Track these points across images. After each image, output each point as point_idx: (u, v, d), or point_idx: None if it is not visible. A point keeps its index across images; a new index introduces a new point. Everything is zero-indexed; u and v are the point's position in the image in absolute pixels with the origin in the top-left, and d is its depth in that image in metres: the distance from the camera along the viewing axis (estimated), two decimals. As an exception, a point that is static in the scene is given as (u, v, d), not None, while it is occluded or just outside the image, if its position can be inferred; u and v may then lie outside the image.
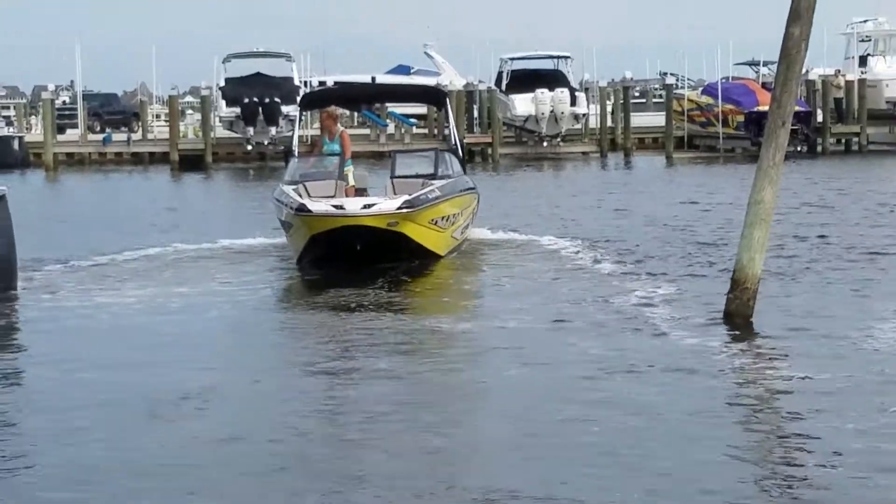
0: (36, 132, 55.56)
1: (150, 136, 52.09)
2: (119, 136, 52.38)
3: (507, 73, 51.87)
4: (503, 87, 51.20)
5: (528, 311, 14.42)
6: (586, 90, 53.78)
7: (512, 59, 52.96)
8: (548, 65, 53.39)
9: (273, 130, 46.92)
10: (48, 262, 18.95)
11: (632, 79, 56.09)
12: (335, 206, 17.96)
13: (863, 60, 51.73)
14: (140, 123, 56.55)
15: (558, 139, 49.61)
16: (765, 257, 13.54)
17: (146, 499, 8.11)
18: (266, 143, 47.37)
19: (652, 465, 8.57)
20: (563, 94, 48.80)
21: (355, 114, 51.93)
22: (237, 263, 19.11)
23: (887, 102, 49.74)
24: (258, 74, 49.96)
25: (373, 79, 60.14)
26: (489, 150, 48.13)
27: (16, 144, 48.19)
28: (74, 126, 54.11)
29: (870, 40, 53.26)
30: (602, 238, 21.27)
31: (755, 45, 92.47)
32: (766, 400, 10.47)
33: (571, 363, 11.70)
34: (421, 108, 52.13)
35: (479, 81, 54.75)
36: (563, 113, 48.75)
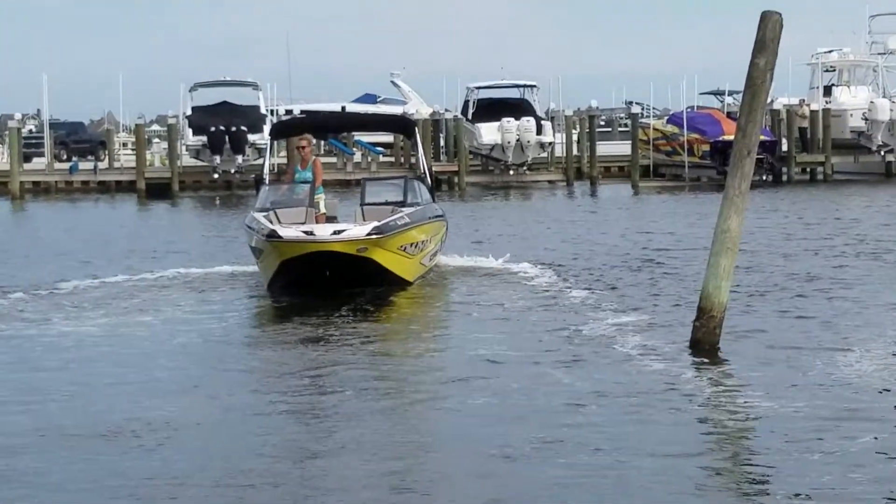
0: (2, 161, 55.33)
1: (116, 164, 51.89)
2: (86, 165, 52.24)
3: (474, 102, 51.98)
4: (469, 115, 51.30)
5: (497, 340, 14.40)
6: (552, 119, 53.97)
7: (478, 87, 53.08)
8: (514, 94, 53.59)
9: (239, 159, 46.96)
10: (11, 289, 18.90)
11: (597, 108, 56.45)
12: (305, 232, 18.13)
13: (827, 90, 52.03)
14: (107, 152, 56.36)
15: (524, 168, 49.71)
16: (730, 285, 13.60)
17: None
18: (232, 171, 47.37)
19: (620, 496, 8.56)
20: (529, 122, 48.93)
21: (322, 142, 51.93)
22: (203, 291, 19.05)
23: (852, 132, 50.00)
24: (224, 103, 50.03)
25: (343, 108, 60.24)
26: (455, 179, 48.19)
27: (-19, 173, 47.92)
28: (41, 155, 53.95)
29: (834, 70, 53.59)
30: (570, 266, 21.31)
31: (721, 75, 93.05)
32: (734, 430, 10.46)
33: (540, 393, 11.68)
34: (387, 137, 52.19)
35: (446, 110, 54.87)
36: (529, 142, 48.86)
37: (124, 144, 62.52)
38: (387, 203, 20.11)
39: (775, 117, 49.63)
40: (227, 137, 46.62)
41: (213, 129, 46.59)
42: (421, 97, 65.52)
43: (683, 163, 48.88)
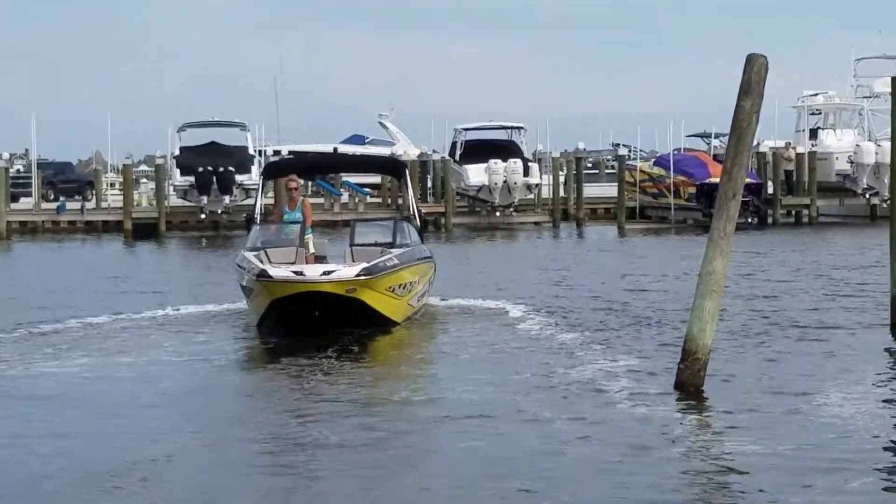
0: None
1: (104, 204, 51.84)
2: (73, 205, 52.18)
3: (461, 144, 52.12)
4: (457, 157, 51.42)
5: (484, 382, 14.41)
6: (539, 160, 54.07)
7: (466, 129, 53.22)
8: (501, 135, 53.73)
9: (227, 199, 46.94)
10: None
11: (584, 149, 56.40)
12: (295, 273, 18.28)
13: (813, 133, 52.26)
14: (94, 192, 56.33)
15: (511, 209, 49.80)
16: (715, 328, 13.64)
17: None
18: (220, 211, 47.35)
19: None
20: (516, 164, 49.04)
21: (309, 182, 51.95)
22: (189, 331, 19.03)
23: (837, 175, 50.20)
24: (212, 143, 50.03)
25: (335, 149, 60.30)
26: (442, 220, 48.26)
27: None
28: (28, 195, 53.85)
29: (820, 113, 53.83)
30: (556, 307, 21.34)
31: (707, 118, 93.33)
32: (717, 473, 10.48)
33: (526, 434, 11.71)
34: (375, 178, 52.24)
35: (434, 151, 54.97)
36: (516, 183, 48.96)
37: (112, 184, 62.42)
38: (376, 244, 20.22)
39: (761, 160, 49.81)
40: (214, 178, 46.62)
41: (200, 169, 46.61)
42: (409, 138, 65.63)
43: (670, 205, 49.02)
